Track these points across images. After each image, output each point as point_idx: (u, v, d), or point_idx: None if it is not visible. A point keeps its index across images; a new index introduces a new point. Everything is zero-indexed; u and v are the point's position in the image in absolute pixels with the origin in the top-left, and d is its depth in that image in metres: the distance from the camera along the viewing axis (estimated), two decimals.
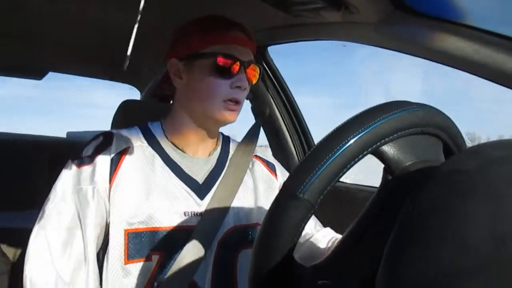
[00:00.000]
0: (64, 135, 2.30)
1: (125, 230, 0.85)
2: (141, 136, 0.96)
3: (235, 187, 0.97)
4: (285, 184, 0.47)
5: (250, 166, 1.04)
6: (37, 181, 1.67)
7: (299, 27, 1.13)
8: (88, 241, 0.83)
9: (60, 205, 0.85)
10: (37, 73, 1.86)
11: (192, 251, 0.87)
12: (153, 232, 0.87)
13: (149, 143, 0.95)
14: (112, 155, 0.88)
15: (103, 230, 0.87)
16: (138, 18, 0.53)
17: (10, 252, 1.57)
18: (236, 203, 0.95)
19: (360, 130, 0.46)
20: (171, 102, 1.06)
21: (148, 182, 0.89)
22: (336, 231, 1.03)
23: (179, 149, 0.96)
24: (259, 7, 0.98)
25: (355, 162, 0.47)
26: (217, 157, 1.00)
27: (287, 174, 1.06)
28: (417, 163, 0.50)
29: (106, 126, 1.36)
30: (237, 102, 0.92)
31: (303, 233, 0.92)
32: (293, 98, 1.65)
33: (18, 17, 1.34)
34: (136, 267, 0.86)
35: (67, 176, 0.88)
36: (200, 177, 0.95)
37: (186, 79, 0.93)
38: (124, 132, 0.95)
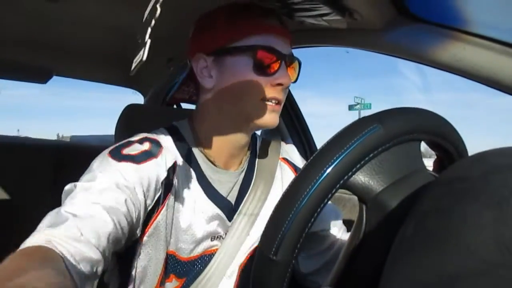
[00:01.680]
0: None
1: (166, 252, 0.78)
2: (177, 145, 0.82)
3: (259, 203, 0.87)
4: (259, 247, 0.46)
5: (278, 174, 0.93)
6: (42, 185, 1.68)
7: (303, 33, 1.13)
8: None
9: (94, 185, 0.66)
10: (42, 77, 1.86)
11: (214, 275, 0.82)
12: (180, 260, 0.81)
13: (186, 155, 0.82)
14: (166, 169, 0.76)
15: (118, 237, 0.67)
16: (153, 23, 0.52)
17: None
18: (260, 219, 0.87)
19: (318, 176, 0.44)
20: (196, 105, 0.92)
21: (186, 208, 0.79)
22: None
23: (210, 161, 0.84)
24: None
25: (322, 207, 0.45)
26: (246, 167, 0.89)
27: None
28: (390, 187, 0.48)
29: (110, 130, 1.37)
30: (279, 102, 0.80)
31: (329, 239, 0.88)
32: (296, 102, 1.66)
33: (22, 21, 1.35)
34: (162, 285, 0.81)
35: (102, 166, 0.71)
36: (231, 196, 0.86)
37: (217, 77, 0.80)
38: (167, 141, 0.81)
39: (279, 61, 0.78)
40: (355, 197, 1.50)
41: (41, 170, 1.70)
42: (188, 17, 0.90)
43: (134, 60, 0.53)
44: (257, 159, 0.92)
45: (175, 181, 0.77)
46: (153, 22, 0.50)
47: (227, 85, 0.79)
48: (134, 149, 0.75)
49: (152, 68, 1.86)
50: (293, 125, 1.66)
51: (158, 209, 0.75)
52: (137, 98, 2.14)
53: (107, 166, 0.71)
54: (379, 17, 0.87)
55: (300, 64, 0.85)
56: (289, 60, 0.81)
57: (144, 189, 0.71)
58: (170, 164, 0.77)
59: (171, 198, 0.76)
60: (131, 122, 1.24)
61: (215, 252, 0.84)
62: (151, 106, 1.91)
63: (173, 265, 0.80)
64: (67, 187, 0.69)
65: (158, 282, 0.79)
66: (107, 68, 1.94)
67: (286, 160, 0.97)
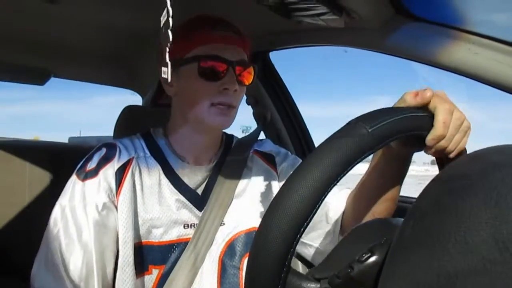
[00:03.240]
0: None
1: (133, 244, 0.83)
2: (144, 145, 0.94)
3: (229, 192, 0.94)
4: (356, 119, 0.46)
5: (249, 166, 1.00)
6: (39, 187, 1.67)
7: (301, 33, 1.13)
8: (94, 257, 0.80)
9: (69, 224, 0.82)
10: (39, 79, 1.86)
11: (190, 264, 0.86)
12: (153, 246, 0.86)
13: (152, 153, 0.92)
14: (116, 169, 0.86)
15: (114, 243, 0.84)
16: (163, 22, 0.54)
17: (15, 255, 1.57)
18: (234, 209, 0.93)
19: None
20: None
21: (149, 195, 0.88)
22: None
23: (180, 157, 0.94)
24: (261, 13, 0.98)
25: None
26: (215, 163, 0.97)
27: (291, 155, 1.05)
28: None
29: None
30: (229, 106, 0.88)
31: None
32: (295, 103, 1.66)
33: (19, 22, 1.34)
34: (141, 282, 0.85)
35: (73, 191, 0.85)
36: (200, 188, 0.93)
37: (175, 86, 0.90)
38: (127, 142, 0.93)
39: (225, 68, 0.86)
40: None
41: (39, 171, 1.70)
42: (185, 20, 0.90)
43: (163, 71, 0.60)
44: (228, 156, 0.99)
45: (130, 174, 0.87)
46: (169, 45, 0.57)
47: (183, 92, 0.90)
48: (93, 162, 0.87)
49: (150, 69, 1.86)
50: (293, 127, 1.66)
51: (116, 201, 0.85)
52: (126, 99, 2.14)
53: (76, 189, 0.85)
54: (376, 16, 0.87)
55: (255, 68, 0.92)
56: (240, 66, 0.88)
57: (108, 193, 0.84)
58: (124, 161, 0.87)
59: (127, 190, 0.85)
60: (129, 123, 1.24)
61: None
62: (150, 108, 1.90)
63: (149, 254, 0.86)
64: (54, 215, 0.84)
65: (133, 274, 0.83)
66: (105, 69, 1.94)
67: (257, 151, 1.04)
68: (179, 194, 0.90)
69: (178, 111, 0.94)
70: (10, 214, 1.58)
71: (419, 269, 0.32)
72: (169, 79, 0.61)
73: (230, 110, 0.88)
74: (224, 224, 0.91)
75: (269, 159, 1.03)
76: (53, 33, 1.47)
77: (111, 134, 1.31)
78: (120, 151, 0.89)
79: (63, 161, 1.73)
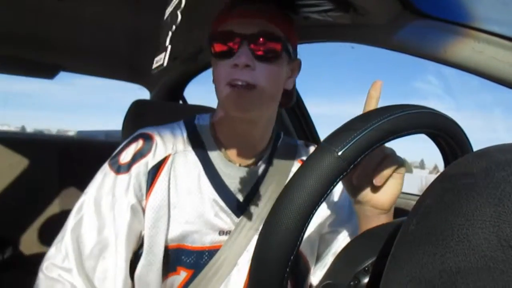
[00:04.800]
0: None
1: (164, 247, 0.79)
2: (185, 137, 0.85)
3: (270, 202, 0.86)
4: (324, 141, 0.46)
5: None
6: (48, 179, 1.70)
7: (308, 29, 1.13)
8: (119, 258, 0.75)
9: (93, 216, 0.77)
10: (49, 73, 1.88)
11: (219, 271, 0.83)
12: (185, 250, 0.82)
13: (193, 147, 0.84)
14: (150, 167, 0.80)
15: (137, 244, 0.80)
16: (173, 29, 0.52)
17: (24, 247, 1.60)
18: None
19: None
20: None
21: (185, 196, 0.81)
22: None
23: (224, 154, 0.85)
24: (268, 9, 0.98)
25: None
26: (263, 165, 0.89)
27: None
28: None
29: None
30: (247, 85, 0.75)
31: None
32: (301, 98, 1.66)
33: (29, 17, 1.36)
34: (165, 282, 0.83)
35: (103, 183, 0.79)
36: (242, 193, 0.85)
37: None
38: (166, 133, 0.85)
39: (237, 42, 0.76)
40: None
41: (48, 165, 1.72)
42: (192, 14, 0.90)
43: (155, 60, 0.54)
44: (274, 159, 0.91)
45: (165, 172, 0.80)
46: (173, 27, 0.51)
47: (213, 76, 0.82)
48: (128, 154, 0.81)
49: None
50: (299, 122, 1.66)
51: (146, 201, 0.80)
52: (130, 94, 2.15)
53: (107, 182, 0.79)
54: (384, 13, 0.86)
55: (282, 39, 0.79)
56: (257, 39, 0.76)
57: (137, 193, 0.79)
58: (160, 157, 0.81)
59: (159, 190, 0.80)
60: (138, 117, 1.25)
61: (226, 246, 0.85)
62: (158, 102, 1.92)
63: (179, 256, 0.82)
64: (80, 203, 0.79)
65: (159, 275, 0.80)
66: (113, 64, 1.95)
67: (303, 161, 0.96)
68: (218, 198, 0.83)
69: (217, 98, 0.84)
70: (18, 208, 1.60)
71: (421, 265, 0.32)
72: (165, 64, 0.54)
73: (247, 91, 0.75)
74: (258, 229, 0.85)
75: None
76: (63, 30, 1.48)
77: (118, 128, 1.32)
78: (156, 145, 0.82)
79: (71, 154, 1.76)
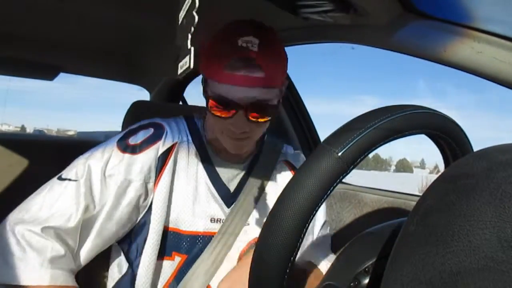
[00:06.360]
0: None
1: (164, 228, 0.84)
2: (187, 130, 0.93)
3: (258, 194, 0.94)
4: (323, 141, 0.46)
5: (277, 173, 1.00)
6: (48, 180, 1.69)
7: (308, 29, 1.13)
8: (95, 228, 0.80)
9: (88, 179, 0.80)
10: (48, 74, 1.88)
11: (212, 259, 0.87)
12: (180, 234, 0.87)
13: (194, 140, 0.92)
14: (161, 153, 0.85)
15: (128, 226, 0.85)
16: (192, 30, 0.51)
17: None
18: (261, 213, 0.94)
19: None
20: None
21: (185, 183, 0.88)
22: (344, 230, 1.04)
23: (216, 152, 0.93)
24: (267, 10, 0.98)
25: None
26: (249, 162, 0.97)
27: None
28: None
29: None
30: (240, 137, 0.84)
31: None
32: (300, 97, 1.66)
33: (29, 18, 1.36)
34: (161, 265, 0.87)
35: (103, 153, 0.82)
36: (232, 185, 0.93)
37: (207, 94, 0.84)
38: (173, 124, 0.91)
39: (233, 111, 0.79)
40: (360, 193, 1.50)
41: (48, 166, 1.72)
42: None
43: (180, 65, 0.53)
44: (260, 157, 0.99)
45: (172, 159, 0.86)
46: (192, 29, 0.50)
47: (207, 112, 0.86)
48: (138, 138, 0.85)
49: (158, 65, 1.86)
50: (299, 122, 1.66)
51: (155, 184, 0.84)
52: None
53: (112, 155, 0.82)
54: (384, 13, 0.86)
55: (278, 104, 0.84)
56: (254, 107, 0.80)
57: (143, 175, 0.83)
58: (169, 145, 0.86)
59: (167, 175, 0.84)
60: (137, 118, 1.25)
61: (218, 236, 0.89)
62: (158, 103, 1.92)
63: (175, 240, 0.87)
64: (76, 162, 0.85)
65: (155, 257, 0.84)
66: (113, 65, 1.95)
67: (289, 163, 1.02)
68: (212, 187, 0.90)
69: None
70: (15, 207, 1.60)
71: (422, 266, 0.32)
72: (191, 66, 0.51)
73: (243, 140, 0.85)
74: (248, 224, 0.92)
75: None
76: (63, 31, 1.48)
77: (118, 129, 1.32)
78: (166, 134, 0.87)
79: (71, 155, 1.76)
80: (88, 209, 0.78)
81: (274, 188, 0.97)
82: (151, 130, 0.87)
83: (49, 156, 1.72)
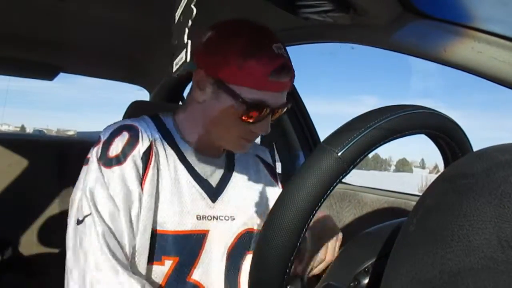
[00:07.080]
0: None
1: (153, 231, 0.82)
2: (154, 127, 0.89)
3: (243, 190, 0.95)
4: (323, 141, 0.46)
5: (254, 166, 1.01)
6: (48, 180, 1.70)
7: (308, 29, 1.13)
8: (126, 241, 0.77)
9: (96, 214, 0.77)
10: (48, 74, 1.88)
11: (202, 256, 0.87)
12: (167, 235, 0.84)
13: (165, 138, 0.89)
14: (142, 153, 0.82)
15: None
16: (189, 24, 0.50)
17: (24, 248, 1.60)
18: (245, 206, 0.94)
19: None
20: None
21: (167, 182, 0.85)
22: (343, 230, 1.04)
23: (192, 147, 0.90)
24: (267, 10, 0.98)
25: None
26: (225, 156, 0.96)
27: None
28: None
29: None
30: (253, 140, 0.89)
31: None
32: (300, 98, 1.66)
33: (29, 18, 1.36)
34: (151, 270, 0.84)
35: (96, 179, 0.79)
36: (213, 179, 0.92)
37: (208, 98, 0.83)
38: (141, 123, 0.87)
39: (267, 115, 0.82)
40: (360, 193, 1.50)
41: (48, 166, 1.72)
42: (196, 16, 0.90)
43: (175, 63, 0.53)
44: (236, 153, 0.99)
45: (154, 158, 0.83)
46: (189, 22, 0.49)
47: (213, 112, 0.84)
48: (117, 147, 0.81)
49: (158, 65, 1.86)
50: (299, 122, 1.66)
51: (142, 185, 0.82)
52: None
53: (100, 176, 0.79)
54: (384, 13, 0.86)
55: (289, 106, 0.86)
56: (280, 109, 0.83)
57: (137, 180, 0.80)
58: (147, 144, 0.83)
59: (151, 174, 0.82)
60: None
61: (207, 234, 0.88)
62: (156, 103, 1.92)
63: (162, 243, 0.84)
64: (73, 196, 0.80)
65: (146, 262, 0.82)
66: (113, 65, 1.96)
67: (260, 158, 1.05)
68: (195, 183, 0.88)
69: (198, 116, 0.88)
70: (17, 208, 1.60)
71: (422, 266, 0.32)
72: (188, 59, 0.51)
73: (252, 142, 0.90)
74: (234, 219, 0.92)
75: (271, 171, 1.05)
76: (63, 31, 1.49)
77: None
78: (141, 132, 0.84)
79: (71, 155, 1.76)
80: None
81: (256, 181, 0.99)
82: (126, 134, 0.83)
83: (49, 156, 1.72)
